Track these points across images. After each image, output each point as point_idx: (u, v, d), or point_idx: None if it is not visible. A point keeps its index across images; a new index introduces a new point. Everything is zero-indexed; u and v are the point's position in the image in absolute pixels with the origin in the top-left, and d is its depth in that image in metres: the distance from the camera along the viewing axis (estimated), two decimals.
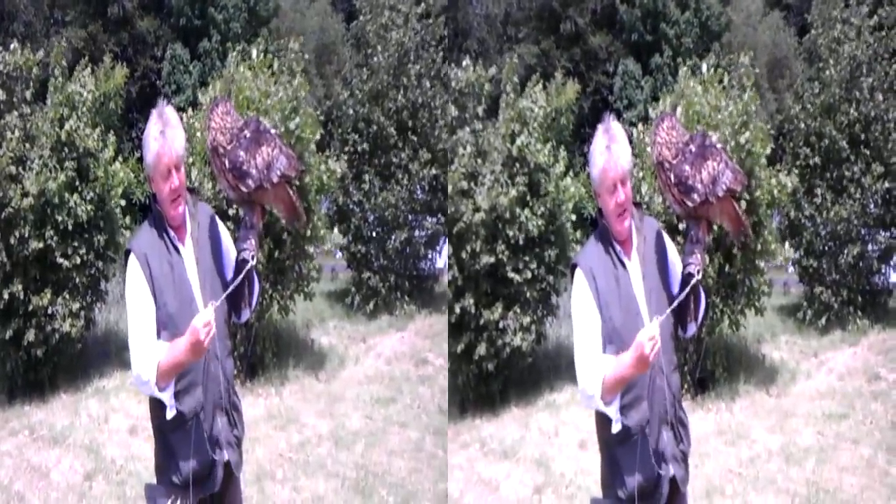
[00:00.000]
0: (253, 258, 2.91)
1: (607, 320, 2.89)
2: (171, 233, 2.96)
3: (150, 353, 2.85)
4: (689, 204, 2.83)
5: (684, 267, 2.91)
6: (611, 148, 2.85)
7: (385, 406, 6.97)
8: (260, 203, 2.98)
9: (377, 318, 8.78)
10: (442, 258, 9.15)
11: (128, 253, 2.95)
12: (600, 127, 2.89)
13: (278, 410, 6.84)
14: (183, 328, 2.83)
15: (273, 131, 2.97)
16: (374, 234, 9.08)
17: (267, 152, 2.89)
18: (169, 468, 2.97)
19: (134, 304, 2.90)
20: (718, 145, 2.88)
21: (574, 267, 2.97)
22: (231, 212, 6.56)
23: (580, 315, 2.91)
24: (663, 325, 2.85)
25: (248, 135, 2.90)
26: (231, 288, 2.92)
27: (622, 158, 2.85)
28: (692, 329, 2.98)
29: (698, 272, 2.85)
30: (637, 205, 3.00)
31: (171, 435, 2.96)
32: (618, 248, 2.94)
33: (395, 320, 8.74)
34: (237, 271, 2.95)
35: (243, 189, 2.90)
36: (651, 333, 2.69)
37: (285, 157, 2.92)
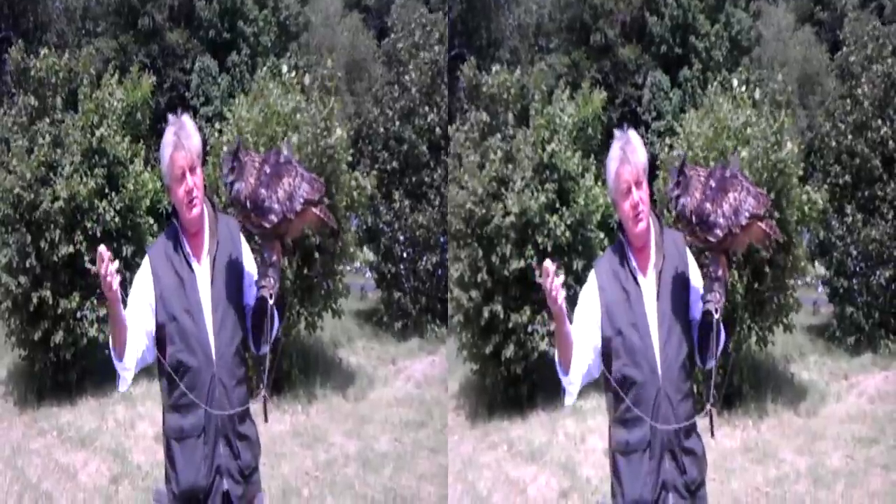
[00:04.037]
0: (272, 296, 2.87)
1: (615, 335, 2.88)
2: (187, 248, 2.96)
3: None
4: (712, 240, 2.77)
5: (703, 303, 2.84)
6: (624, 150, 2.85)
7: (415, 430, 6.85)
8: (286, 234, 2.94)
9: (407, 341, 8.70)
10: None
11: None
12: (616, 136, 2.88)
13: (304, 428, 6.77)
14: (192, 346, 2.88)
15: (294, 160, 2.93)
16: (404, 254, 8.96)
17: (288, 183, 2.85)
18: (170, 478, 2.97)
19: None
20: (738, 174, 2.81)
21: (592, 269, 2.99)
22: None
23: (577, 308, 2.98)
24: (673, 355, 2.85)
25: (268, 170, 2.86)
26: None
27: (637, 160, 2.84)
28: (710, 363, 2.94)
29: (717, 311, 2.79)
30: (659, 218, 2.95)
31: (174, 446, 2.96)
32: (633, 263, 2.90)
33: (425, 343, 8.66)
34: (256, 309, 2.94)
35: (266, 225, 2.86)
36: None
37: (307, 182, 2.89)
